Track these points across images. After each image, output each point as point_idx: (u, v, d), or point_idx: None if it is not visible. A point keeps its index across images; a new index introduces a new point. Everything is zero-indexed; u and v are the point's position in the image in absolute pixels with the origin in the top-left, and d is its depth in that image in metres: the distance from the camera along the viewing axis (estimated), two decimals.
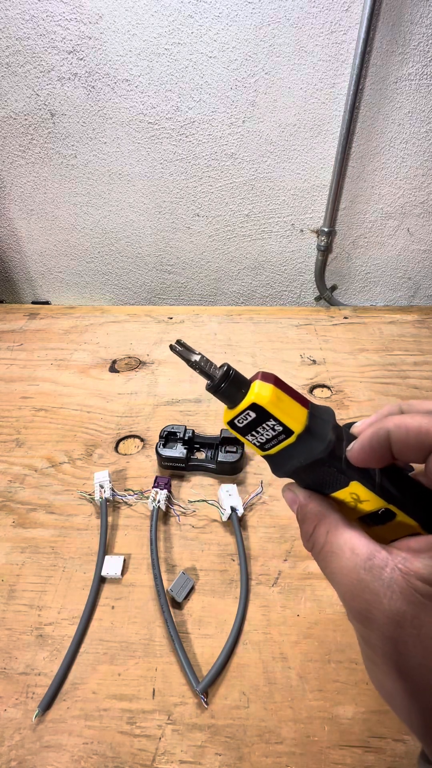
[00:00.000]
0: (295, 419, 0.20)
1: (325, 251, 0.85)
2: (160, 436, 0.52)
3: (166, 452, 0.51)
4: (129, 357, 0.71)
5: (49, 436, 0.57)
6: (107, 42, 0.68)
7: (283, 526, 0.46)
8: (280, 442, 0.20)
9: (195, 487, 0.51)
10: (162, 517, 0.48)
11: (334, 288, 0.93)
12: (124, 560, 0.43)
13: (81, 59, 0.70)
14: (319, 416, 0.20)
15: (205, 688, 0.35)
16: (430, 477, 0.19)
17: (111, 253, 0.92)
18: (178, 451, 0.51)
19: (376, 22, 0.64)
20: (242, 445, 0.52)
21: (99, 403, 0.62)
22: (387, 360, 0.69)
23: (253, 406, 0.19)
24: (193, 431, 0.54)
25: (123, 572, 0.43)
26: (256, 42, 0.67)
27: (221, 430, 0.53)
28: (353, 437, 0.20)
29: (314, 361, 0.69)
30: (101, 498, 0.47)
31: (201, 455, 0.54)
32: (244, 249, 0.89)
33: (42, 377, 0.67)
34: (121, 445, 0.57)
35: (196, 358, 0.20)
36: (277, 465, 0.21)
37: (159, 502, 0.46)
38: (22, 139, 0.79)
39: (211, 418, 0.59)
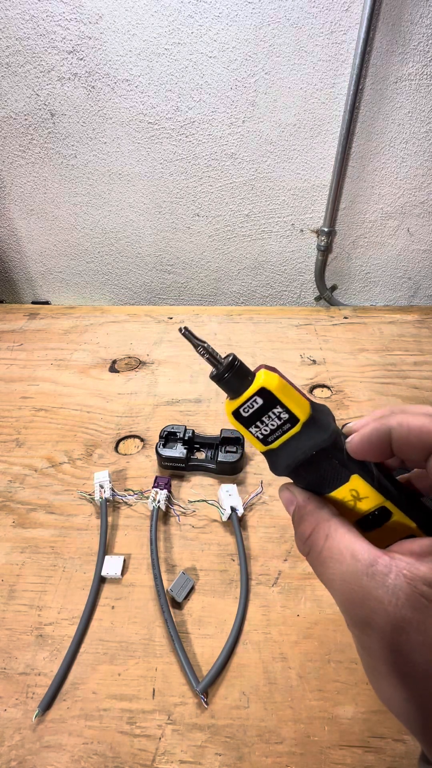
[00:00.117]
0: (300, 407, 0.20)
1: (325, 251, 0.85)
2: (160, 436, 0.52)
3: (166, 452, 0.51)
4: (129, 357, 0.71)
5: (49, 436, 0.57)
6: (107, 42, 0.68)
7: (283, 526, 0.46)
8: (284, 432, 0.20)
9: (195, 487, 0.51)
10: (162, 517, 0.48)
11: (334, 288, 0.92)
12: (124, 560, 0.43)
13: (81, 59, 0.70)
14: (319, 409, 0.21)
15: (205, 688, 0.35)
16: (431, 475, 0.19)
17: (111, 253, 0.92)
18: (178, 451, 0.51)
19: (376, 22, 0.64)
20: (242, 445, 0.52)
21: (99, 403, 0.62)
22: (387, 360, 0.69)
23: (262, 391, 0.19)
24: (193, 431, 0.54)
25: (123, 572, 0.43)
26: (256, 42, 0.67)
27: (221, 430, 0.53)
28: (347, 436, 0.21)
29: (314, 361, 0.69)
30: (101, 498, 0.47)
31: (201, 455, 0.54)
32: (244, 249, 0.89)
33: (42, 377, 0.67)
34: (121, 445, 0.57)
35: (204, 344, 0.20)
36: (280, 459, 0.21)
37: (159, 502, 0.46)
38: (22, 139, 0.79)
39: (211, 418, 0.59)
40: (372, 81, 0.68)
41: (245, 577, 0.42)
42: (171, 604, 0.41)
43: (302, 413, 0.20)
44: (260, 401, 0.19)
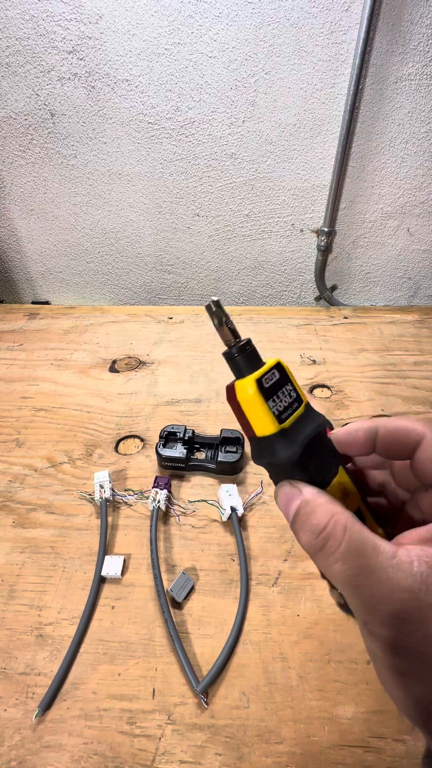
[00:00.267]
0: (301, 391, 0.21)
1: (325, 251, 0.85)
2: (160, 436, 0.52)
3: (166, 452, 0.51)
4: (129, 357, 0.71)
5: (49, 436, 0.57)
6: (107, 42, 0.68)
7: (283, 526, 0.46)
8: (294, 411, 0.20)
9: (195, 487, 0.51)
10: (162, 517, 0.48)
11: (334, 288, 0.92)
12: (124, 560, 0.43)
13: (81, 59, 0.70)
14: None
15: (205, 688, 0.35)
16: (417, 470, 0.20)
17: (111, 253, 0.92)
18: (178, 451, 0.51)
19: (376, 22, 0.64)
20: (242, 445, 0.52)
21: (99, 403, 0.62)
22: (387, 360, 0.69)
23: (278, 366, 0.20)
24: (193, 431, 0.54)
25: (123, 572, 0.43)
26: (256, 42, 0.67)
27: (221, 430, 0.53)
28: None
29: (314, 361, 0.69)
30: (101, 498, 0.47)
31: (201, 455, 0.54)
32: (244, 249, 0.89)
33: (42, 377, 0.67)
34: (121, 445, 0.57)
35: (224, 324, 0.21)
36: (292, 437, 0.20)
37: (159, 502, 0.46)
38: (22, 139, 0.79)
39: (211, 418, 0.59)
40: (372, 81, 0.68)
41: (245, 577, 0.42)
42: (171, 604, 0.41)
43: (303, 396, 0.21)
44: (277, 375, 0.20)
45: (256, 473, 0.52)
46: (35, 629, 0.39)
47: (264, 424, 0.20)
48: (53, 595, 0.41)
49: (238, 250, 0.89)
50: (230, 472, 0.52)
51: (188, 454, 0.52)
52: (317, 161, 0.77)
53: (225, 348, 0.21)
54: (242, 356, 0.20)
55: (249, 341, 0.20)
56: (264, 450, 0.20)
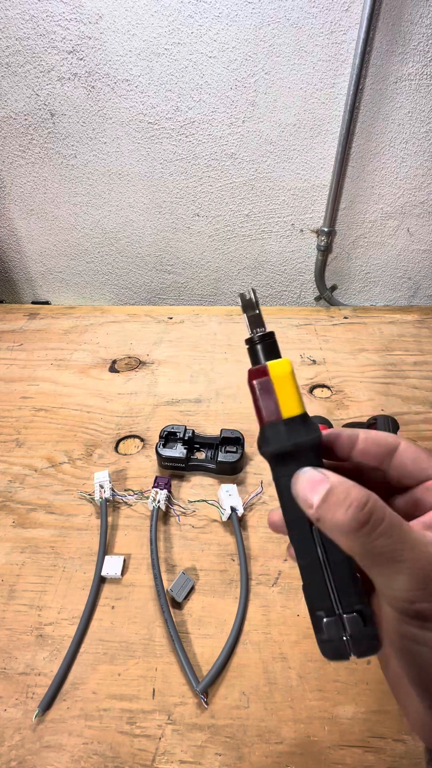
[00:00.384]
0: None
1: (325, 251, 0.85)
2: (160, 436, 0.52)
3: (166, 452, 0.51)
4: (129, 357, 0.71)
5: (49, 436, 0.57)
6: (107, 42, 0.68)
7: None
8: None
9: (195, 487, 0.51)
10: (162, 517, 0.48)
11: (334, 288, 0.92)
12: (124, 560, 0.43)
13: (81, 59, 0.70)
14: None
15: (205, 688, 0.35)
16: (395, 473, 0.21)
17: (111, 253, 0.92)
18: (178, 451, 0.51)
19: (376, 22, 0.63)
20: (242, 445, 0.52)
21: (99, 403, 0.62)
22: (387, 360, 0.69)
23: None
24: (193, 431, 0.54)
25: (123, 572, 0.43)
26: (256, 42, 0.67)
27: (221, 430, 0.53)
28: None
29: (314, 361, 0.69)
30: (101, 498, 0.47)
31: (201, 455, 0.54)
32: (244, 249, 0.89)
33: (42, 377, 0.67)
34: (121, 445, 0.57)
35: (255, 312, 0.22)
36: (311, 424, 0.21)
37: (159, 502, 0.46)
38: (22, 139, 0.79)
39: (211, 418, 0.59)
40: (372, 81, 0.68)
41: (245, 577, 0.42)
42: (171, 604, 0.41)
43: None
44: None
45: (256, 473, 0.52)
46: (35, 629, 0.39)
47: (295, 404, 0.20)
48: (53, 595, 0.41)
49: (238, 250, 0.89)
50: (230, 472, 0.52)
51: (188, 454, 0.52)
52: (317, 161, 0.77)
53: (250, 336, 0.22)
54: (268, 343, 0.21)
55: (270, 333, 0.21)
56: (293, 431, 0.20)
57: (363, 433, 0.21)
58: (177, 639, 0.37)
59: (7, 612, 0.40)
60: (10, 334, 0.77)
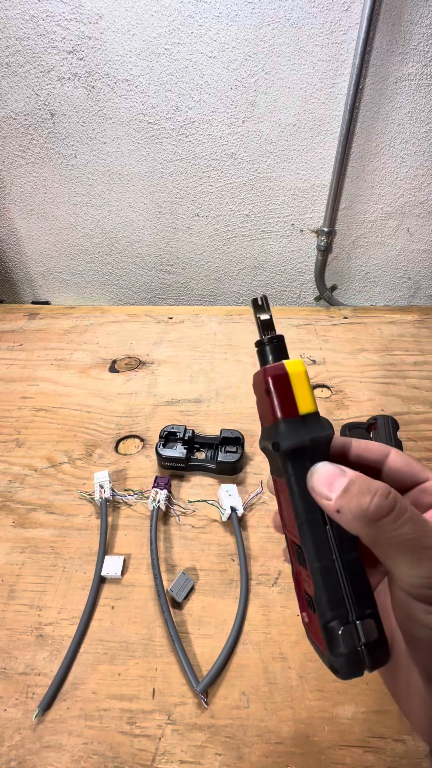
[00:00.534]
0: None
1: (325, 251, 0.85)
2: (160, 436, 0.52)
3: (166, 452, 0.51)
4: (129, 357, 0.71)
5: (49, 436, 0.57)
6: (107, 42, 0.68)
7: None
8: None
9: (195, 487, 0.51)
10: (162, 517, 0.48)
11: (334, 288, 0.92)
12: (124, 560, 0.43)
13: (81, 59, 0.70)
14: None
15: (205, 688, 0.35)
16: (385, 480, 0.21)
17: (111, 253, 0.92)
18: (178, 451, 0.52)
19: (376, 22, 0.64)
20: (242, 444, 0.52)
21: (99, 403, 0.62)
22: (387, 360, 0.69)
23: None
24: (193, 431, 0.54)
25: (123, 572, 0.43)
26: (256, 42, 0.67)
27: (221, 430, 0.53)
28: None
29: (314, 361, 0.69)
30: (101, 498, 0.47)
31: (201, 455, 0.54)
32: (244, 249, 0.89)
33: (42, 377, 0.67)
34: (121, 445, 0.57)
35: (267, 317, 0.23)
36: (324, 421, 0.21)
37: (159, 502, 0.46)
38: (22, 139, 0.79)
39: (211, 418, 0.59)
40: (372, 81, 0.68)
41: (245, 577, 0.42)
42: (171, 604, 0.41)
43: None
44: None
45: (256, 473, 0.52)
46: (35, 629, 0.39)
47: (309, 401, 0.21)
48: (53, 595, 0.41)
49: (238, 250, 0.89)
50: (230, 472, 0.52)
51: (188, 454, 0.52)
52: (317, 161, 0.77)
53: (261, 338, 0.23)
54: (279, 345, 0.22)
55: (282, 336, 0.22)
56: (309, 427, 0.20)
57: (355, 442, 0.22)
58: (177, 639, 0.37)
59: (7, 612, 0.40)
60: (10, 334, 0.77)
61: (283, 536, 0.23)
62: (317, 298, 0.94)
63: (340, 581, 0.19)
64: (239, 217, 0.84)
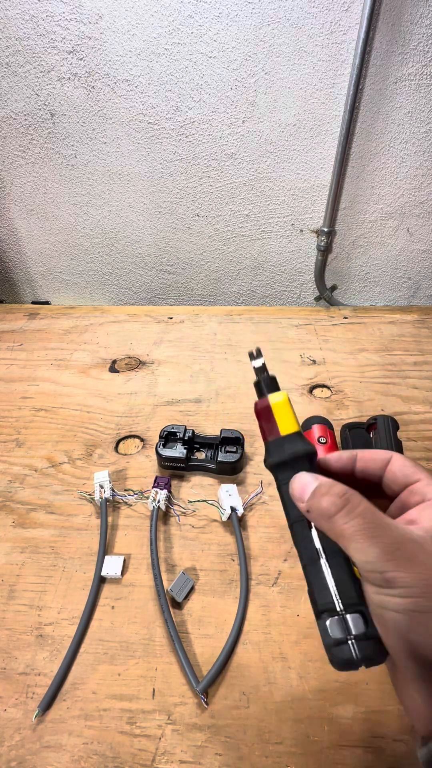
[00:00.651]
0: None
1: (325, 251, 0.85)
2: (160, 436, 0.52)
3: (166, 452, 0.51)
4: (129, 357, 0.71)
5: (49, 436, 0.57)
6: (107, 42, 0.68)
7: (283, 526, 0.46)
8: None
9: (195, 487, 0.51)
10: (162, 517, 0.48)
11: (334, 288, 0.92)
12: (124, 560, 0.43)
13: (81, 59, 0.70)
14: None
15: (205, 688, 0.35)
16: (388, 481, 0.24)
17: (111, 253, 0.92)
18: (178, 451, 0.51)
19: (376, 22, 0.64)
20: (242, 445, 0.52)
21: (99, 403, 0.62)
22: (387, 360, 0.69)
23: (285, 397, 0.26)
24: (193, 431, 0.54)
25: (123, 572, 0.43)
26: (256, 42, 0.67)
27: (221, 430, 0.53)
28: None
29: (314, 361, 0.69)
30: (101, 498, 0.47)
31: (201, 455, 0.54)
32: (244, 249, 0.89)
33: (42, 377, 0.67)
34: (121, 445, 0.57)
35: (259, 364, 0.27)
36: (306, 440, 0.25)
37: (159, 502, 0.46)
38: (22, 139, 0.79)
39: (211, 418, 0.59)
40: (372, 81, 0.68)
41: (245, 577, 0.42)
42: (171, 604, 0.41)
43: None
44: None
45: (256, 473, 0.52)
46: (35, 629, 0.39)
47: (291, 424, 0.25)
48: (53, 595, 0.41)
49: (238, 250, 0.89)
50: (230, 472, 0.52)
51: (188, 454, 0.52)
52: (317, 161, 0.77)
53: (256, 379, 0.26)
54: (271, 384, 0.26)
55: (274, 376, 0.26)
56: (290, 444, 0.24)
57: (360, 453, 0.25)
58: (177, 639, 0.37)
59: (7, 612, 0.40)
60: (10, 334, 0.77)
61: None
62: (317, 298, 0.94)
63: (326, 578, 0.22)
64: (239, 217, 0.84)
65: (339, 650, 0.21)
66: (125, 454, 0.55)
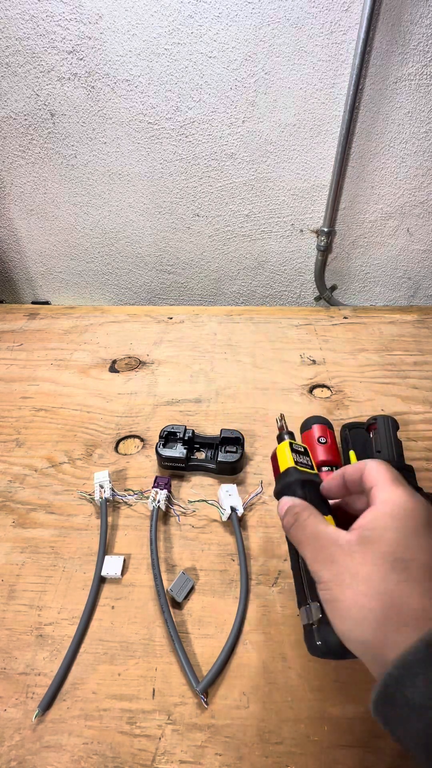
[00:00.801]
0: (314, 464, 0.34)
1: (324, 251, 0.85)
2: (160, 436, 0.52)
3: (166, 452, 0.51)
4: (129, 357, 0.71)
5: (49, 436, 0.57)
6: (107, 42, 0.68)
7: None
8: (308, 467, 0.33)
9: (195, 487, 0.51)
10: (162, 517, 0.48)
11: (333, 288, 0.93)
12: (124, 560, 0.43)
13: (81, 59, 0.70)
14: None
15: (205, 688, 0.35)
16: (365, 492, 0.28)
17: (111, 253, 0.92)
18: (178, 451, 0.51)
19: (375, 22, 0.64)
20: (242, 445, 0.52)
21: (99, 403, 0.62)
22: (387, 360, 0.69)
23: (305, 448, 0.34)
24: (193, 431, 0.54)
25: (123, 572, 0.43)
26: (256, 42, 0.67)
27: (221, 430, 0.53)
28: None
29: (314, 361, 0.69)
30: (101, 498, 0.47)
31: (201, 455, 0.54)
32: (244, 249, 0.89)
33: (42, 377, 0.67)
34: (121, 445, 0.57)
35: (280, 426, 0.37)
36: (299, 474, 0.32)
37: (159, 502, 0.46)
38: (22, 139, 0.79)
39: (211, 418, 0.59)
40: (372, 81, 0.68)
41: (245, 577, 0.42)
42: (171, 604, 0.41)
43: (315, 468, 0.34)
44: (302, 449, 0.34)
45: (255, 473, 0.52)
46: (35, 629, 0.39)
47: (286, 461, 0.32)
48: (53, 595, 0.41)
49: (238, 250, 0.89)
50: (230, 472, 0.52)
51: (188, 454, 0.52)
52: (317, 161, 0.77)
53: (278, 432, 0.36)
54: (288, 435, 0.35)
55: (292, 432, 0.36)
56: (285, 477, 0.32)
57: (345, 468, 0.29)
58: (177, 639, 0.37)
59: (7, 612, 0.40)
60: (10, 334, 0.77)
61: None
62: (317, 298, 0.94)
63: (301, 576, 0.28)
64: (239, 217, 0.84)
65: (308, 637, 0.26)
66: (125, 454, 0.55)
